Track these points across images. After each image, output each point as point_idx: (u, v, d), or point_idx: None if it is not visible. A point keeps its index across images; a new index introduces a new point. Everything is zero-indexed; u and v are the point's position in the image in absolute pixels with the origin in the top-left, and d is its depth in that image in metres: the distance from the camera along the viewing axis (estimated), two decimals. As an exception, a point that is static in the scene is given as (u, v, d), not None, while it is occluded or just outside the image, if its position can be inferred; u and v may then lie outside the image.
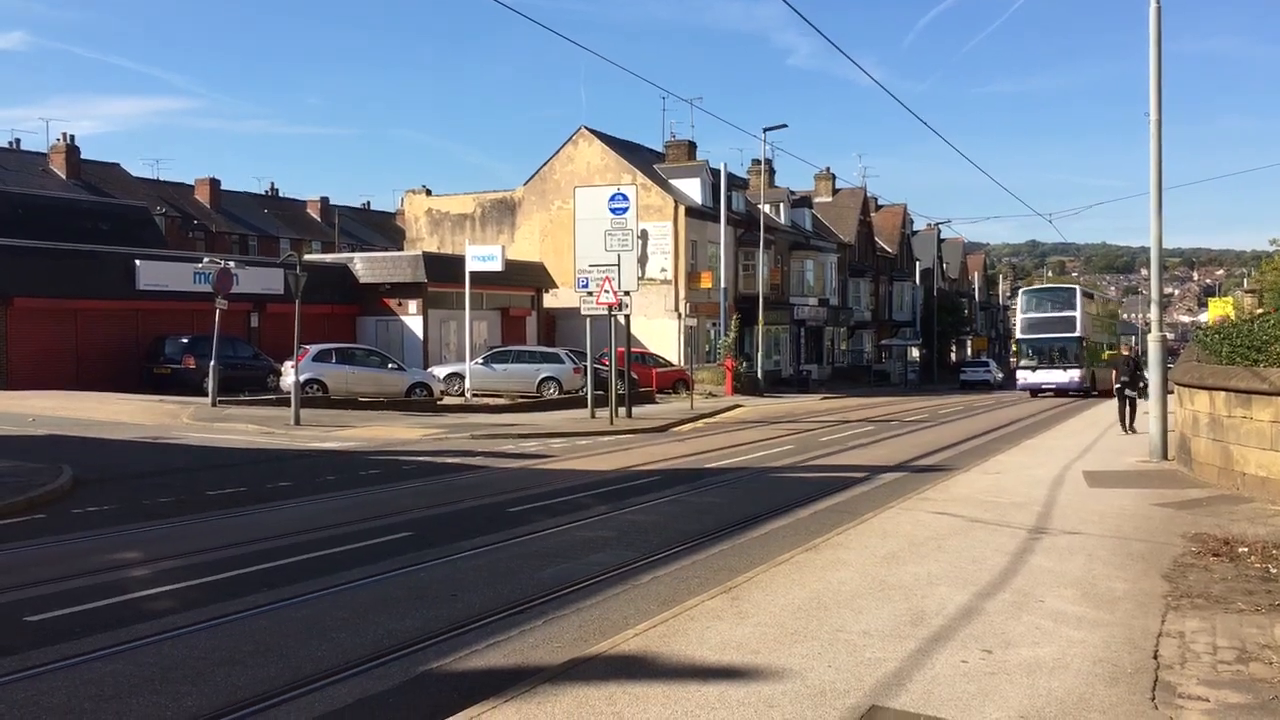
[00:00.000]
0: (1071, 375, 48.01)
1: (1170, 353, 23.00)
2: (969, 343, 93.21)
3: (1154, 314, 18.46)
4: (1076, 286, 55.33)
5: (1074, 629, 6.96)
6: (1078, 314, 48.97)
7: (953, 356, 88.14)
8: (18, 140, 60.69)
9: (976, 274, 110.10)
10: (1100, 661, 6.24)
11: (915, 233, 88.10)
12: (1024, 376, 49.82)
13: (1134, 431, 22.40)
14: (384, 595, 8.38)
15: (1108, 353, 52.79)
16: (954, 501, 12.86)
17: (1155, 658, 6.32)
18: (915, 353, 73.84)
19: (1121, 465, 17.04)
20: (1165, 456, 17.15)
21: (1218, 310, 41.57)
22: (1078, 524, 11.19)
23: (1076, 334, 48.48)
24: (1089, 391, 48.52)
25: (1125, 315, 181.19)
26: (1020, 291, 58.19)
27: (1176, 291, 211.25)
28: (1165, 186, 17.61)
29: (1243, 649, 6.48)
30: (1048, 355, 48.95)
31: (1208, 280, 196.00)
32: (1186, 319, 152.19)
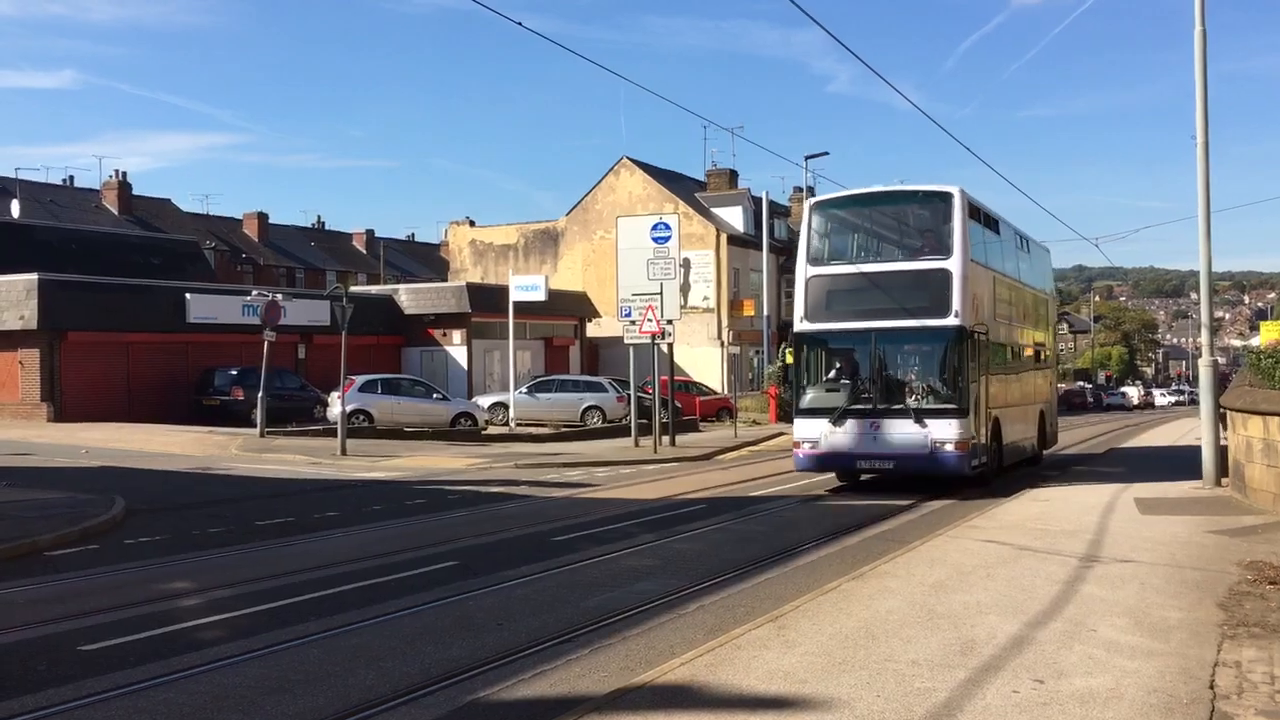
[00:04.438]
0: (939, 431, 16.75)
1: (1222, 377, 22.60)
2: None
3: (1204, 338, 18.19)
4: (954, 190, 17.58)
5: (1128, 659, 6.84)
6: (956, 263, 17.10)
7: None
8: (71, 177, 61.86)
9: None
10: (1155, 692, 6.13)
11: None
12: (805, 432, 17.69)
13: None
14: (431, 624, 8.43)
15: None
16: (1002, 529, 12.72)
17: (1211, 688, 6.20)
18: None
19: (1174, 491, 16.76)
20: (1219, 482, 16.86)
21: (1270, 334, 40.20)
22: (1129, 551, 11.01)
23: (951, 319, 16.87)
24: (982, 473, 17.74)
25: (1175, 340, 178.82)
26: (810, 208, 18.80)
27: (1227, 315, 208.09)
28: (1214, 209, 17.33)
29: (1302, 679, 6.34)
30: (870, 379, 17.42)
31: (1259, 303, 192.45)
32: (1238, 343, 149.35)
